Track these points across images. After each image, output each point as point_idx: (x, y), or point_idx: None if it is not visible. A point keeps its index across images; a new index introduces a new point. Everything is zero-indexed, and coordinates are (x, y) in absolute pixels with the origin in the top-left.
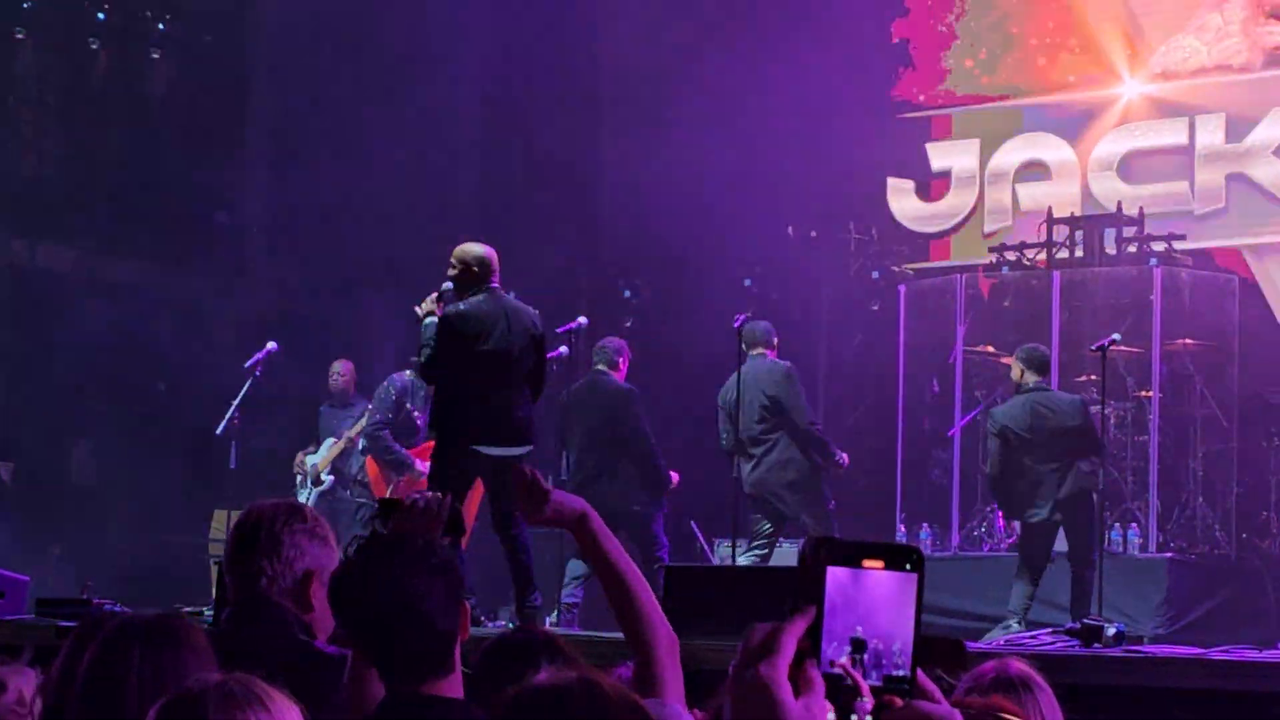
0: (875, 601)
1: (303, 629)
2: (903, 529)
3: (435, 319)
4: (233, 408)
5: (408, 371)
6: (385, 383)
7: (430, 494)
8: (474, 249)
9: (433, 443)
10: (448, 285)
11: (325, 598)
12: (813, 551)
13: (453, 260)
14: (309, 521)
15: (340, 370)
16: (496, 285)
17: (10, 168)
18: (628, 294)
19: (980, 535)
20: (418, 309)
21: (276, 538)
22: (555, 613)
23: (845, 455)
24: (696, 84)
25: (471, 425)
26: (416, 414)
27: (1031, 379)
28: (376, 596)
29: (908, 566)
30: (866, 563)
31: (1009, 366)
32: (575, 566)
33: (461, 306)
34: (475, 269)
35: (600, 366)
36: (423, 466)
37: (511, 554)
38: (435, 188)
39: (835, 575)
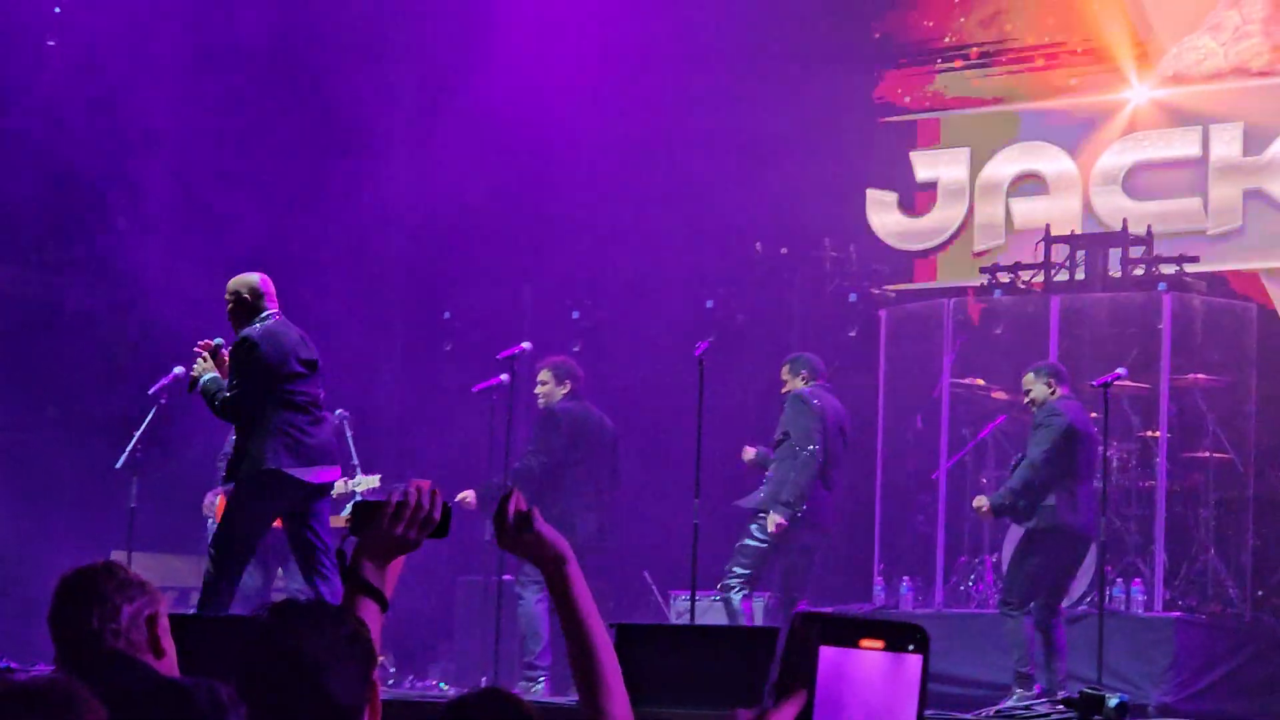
0: (873, 687)
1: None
2: (881, 582)
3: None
4: (135, 438)
5: None
6: None
7: (415, 488)
8: (246, 278)
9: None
10: (219, 339)
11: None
12: (804, 628)
13: (227, 295)
14: (128, 573)
15: None
16: (276, 310)
17: None
18: (576, 315)
19: (967, 590)
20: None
21: (107, 594)
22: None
23: None
24: (646, 81)
25: (285, 450)
26: None
27: (1059, 393)
28: (276, 663)
29: (910, 648)
30: (864, 643)
31: (1000, 401)
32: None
33: (258, 329)
34: (247, 297)
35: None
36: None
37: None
38: (369, 200)
39: (828, 656)
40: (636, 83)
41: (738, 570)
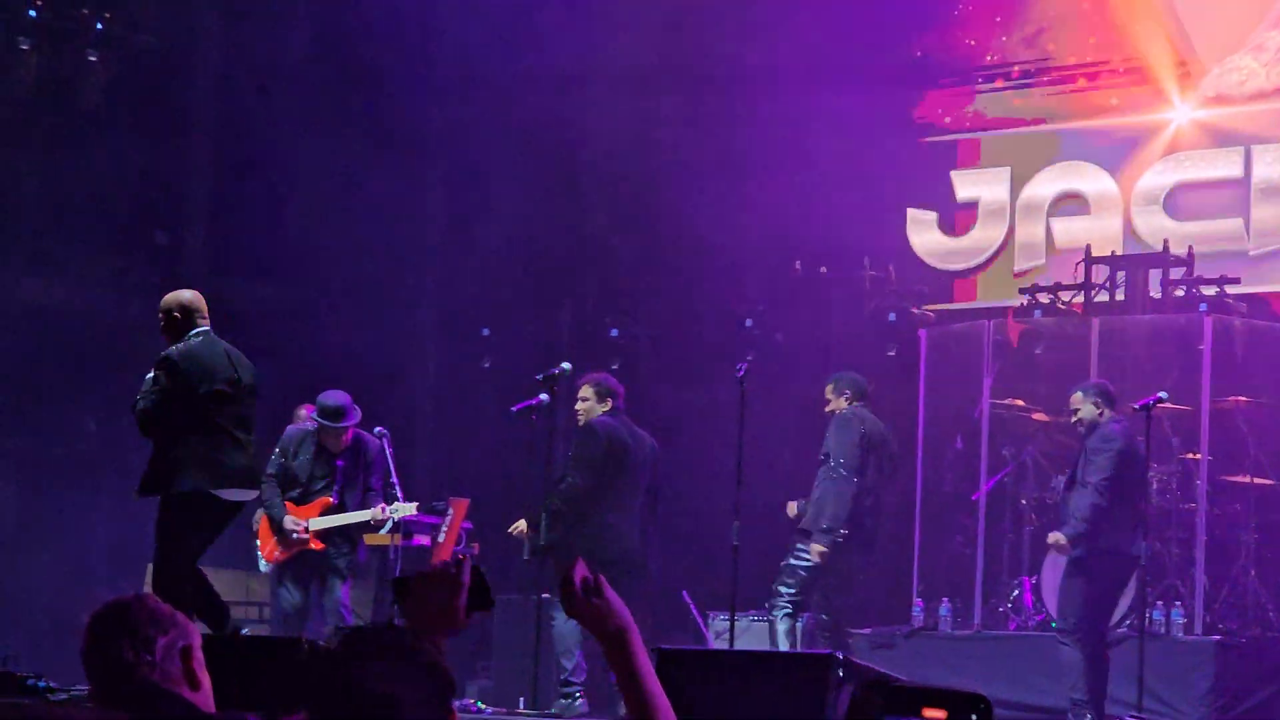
0: None
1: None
2: (920, 604)
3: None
4: None
5: (303, 416)
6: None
7: (450, 562)
8: (178, 295)
9: (324, 500)
10: None
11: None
12: (866, 697)
13: (159, 312)
14: (161, 605)
15: (304, 415)
16: (208, 328)
17: None
18: (614, 333)
19: (1006, 612)
20: None
21: (137, 623)
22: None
23: None
24: (687, 101)
25: (208, 470)
26: (299, 469)
27: (1107, 414)
28: (350, 697)
29: (974, 718)
30: (927, 712)
31: (1040, 423)
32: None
33: (179, 349)
34: (177, 314)
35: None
36: (293, 524)
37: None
38: (405, 209)
39: None
40: (678, 102)
41: (784, 591)
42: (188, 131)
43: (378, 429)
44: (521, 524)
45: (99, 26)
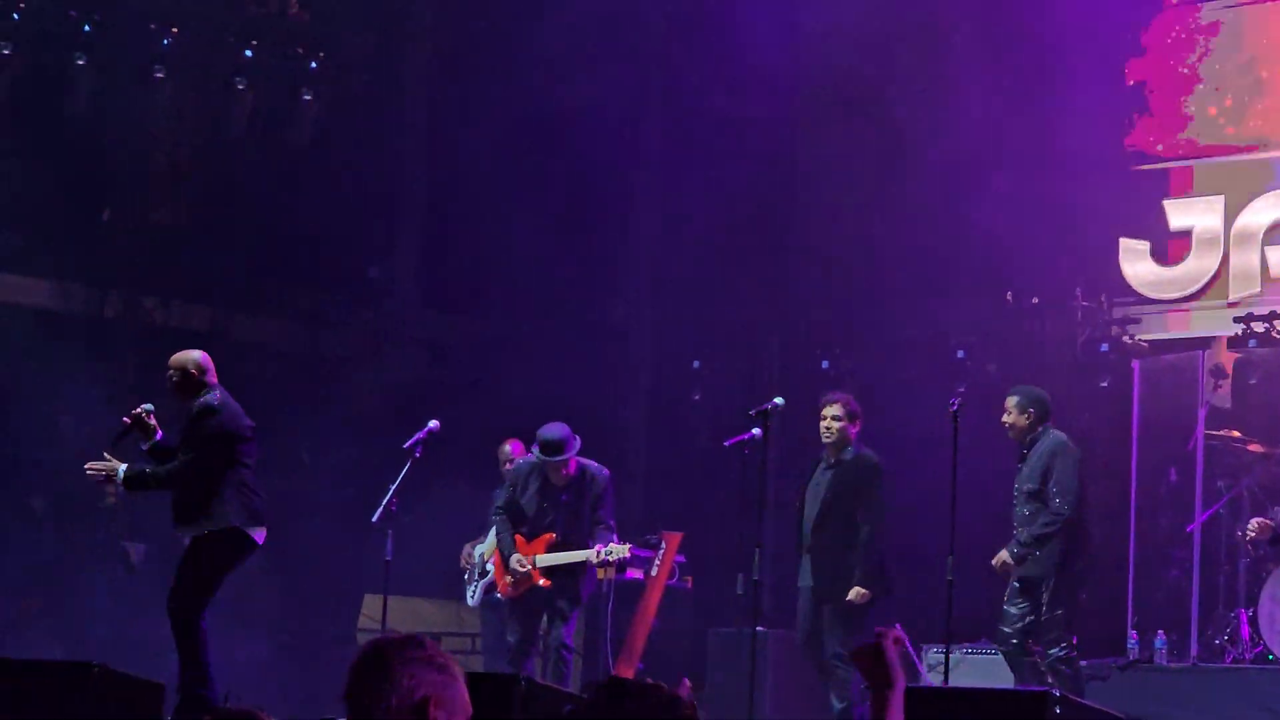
0: None
1: None
2: (1135, 636)
3: (154, 440)
4: (390, 492)
5: (507, 452)
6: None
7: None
8: (190, 355)
9: (549, 535)
10: (148, 406)
11: None
12: None
13: (171, 370)
14: (426, 649)
15: (509, 452)
16: (216, 384)
17: (142, 218)
18: (825, 365)
19: (1223, 644)
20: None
21: (392, 668)
22: None
23: None
24: (892, 127)
25: (245, 510)
26: (527, 504)
27: None
28: None
29: None
30: None
31: (1256, 454)
32: None
33: (217, 396)
34: (194, 371)
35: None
36: (518, 562)
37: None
38: (604, 245)
39: None
40: (883, 128)
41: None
42: (398, 167)
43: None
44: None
45: (313, 66)
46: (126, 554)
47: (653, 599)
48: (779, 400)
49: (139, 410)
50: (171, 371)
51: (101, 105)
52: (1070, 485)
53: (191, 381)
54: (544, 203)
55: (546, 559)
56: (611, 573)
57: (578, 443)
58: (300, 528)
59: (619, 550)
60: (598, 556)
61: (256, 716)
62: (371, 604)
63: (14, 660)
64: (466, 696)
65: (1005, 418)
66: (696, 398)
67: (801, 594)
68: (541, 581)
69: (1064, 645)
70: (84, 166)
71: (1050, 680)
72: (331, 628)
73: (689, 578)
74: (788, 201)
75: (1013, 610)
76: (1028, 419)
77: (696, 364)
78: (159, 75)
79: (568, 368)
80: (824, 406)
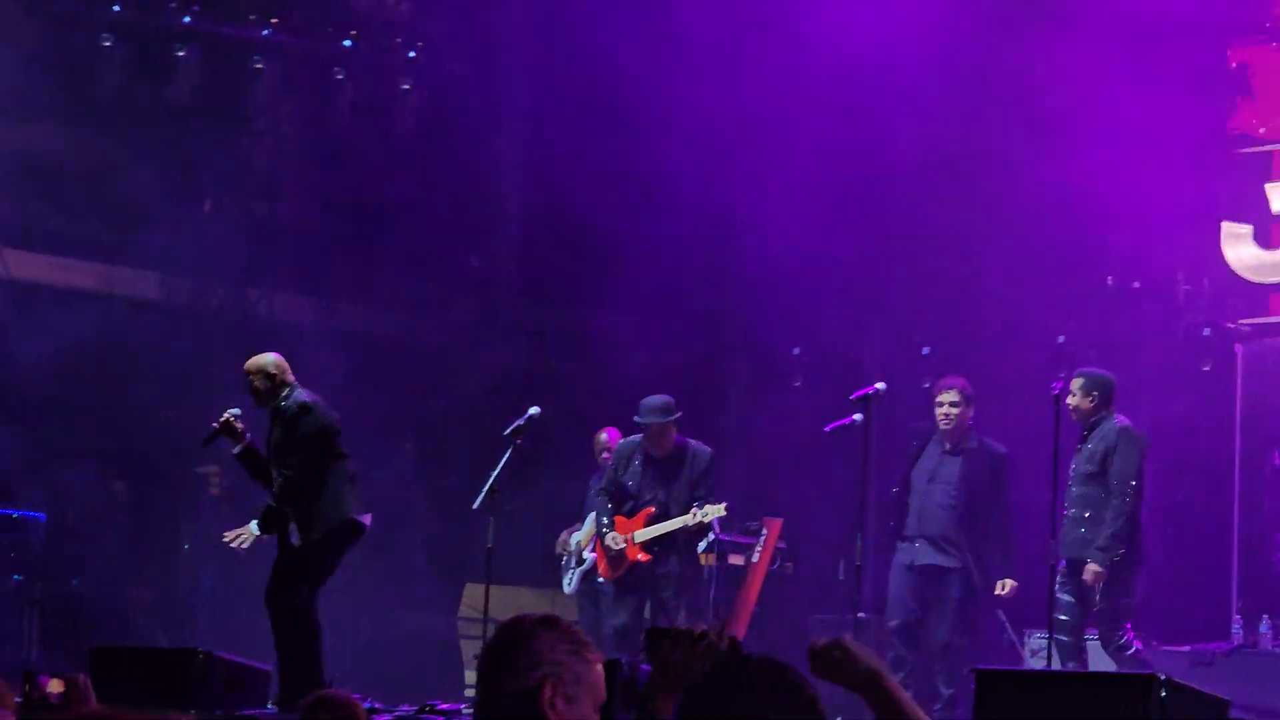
0: None
1: None
2: (1239, 621)
3: (245, 443)
4: (491, 479)
5: (603, 441)
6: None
7: (704, 630)
8: (266, 357)
9: (649, 510)
10: (235, 410)
11: (570, 710)
12: None
13: (251, 376)
14: (558, 629)
15: (605, 440)
16: (295, 381)
17: (245, 210)
18: (926, 351)
19: None
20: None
21: (518, 646)
22: None
23: None
24: (993, 113)
25: (355, 497)
26: (629, 481)
27: None
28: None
29: None
30: None
31: None
32: None
33: (306, 395)
34: (275, 373)
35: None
36: (612, 540)
37: (281, 631)
38: (708, 225)
39: None
40: (983, 117)
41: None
42: (498, 155)
43: None
44: (1008, 584)
45: (411, 55)
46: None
47: (754, 585)
48: (880, 385)
49: (226, 415)
50: (252, 377)
51: (203, 96)
52: (1131, 474)
53: (275, 383)
54: (642, 187)
55: (644, 533)
56: (713, 558)
57: (678, 414)
58: (401, 516)
59: (714, 510)
60: (693, 518)
61: (353, 704)
62: (473, 592)
63: (122, 647)
64: (601, 679)
65: (1069, 399)
66: (797, 384)
67: (908, 575)
68: (640, 556)
69: (1122, 633)
70: (186, 157)
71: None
72: (433, 616)
73: (790, 564)
74: (888, 186)
75: (1066, 597)
76: (1091, 402)
77: (797, 351)
78: (258, 66)
79: (666, 356)
80: (940, 391)
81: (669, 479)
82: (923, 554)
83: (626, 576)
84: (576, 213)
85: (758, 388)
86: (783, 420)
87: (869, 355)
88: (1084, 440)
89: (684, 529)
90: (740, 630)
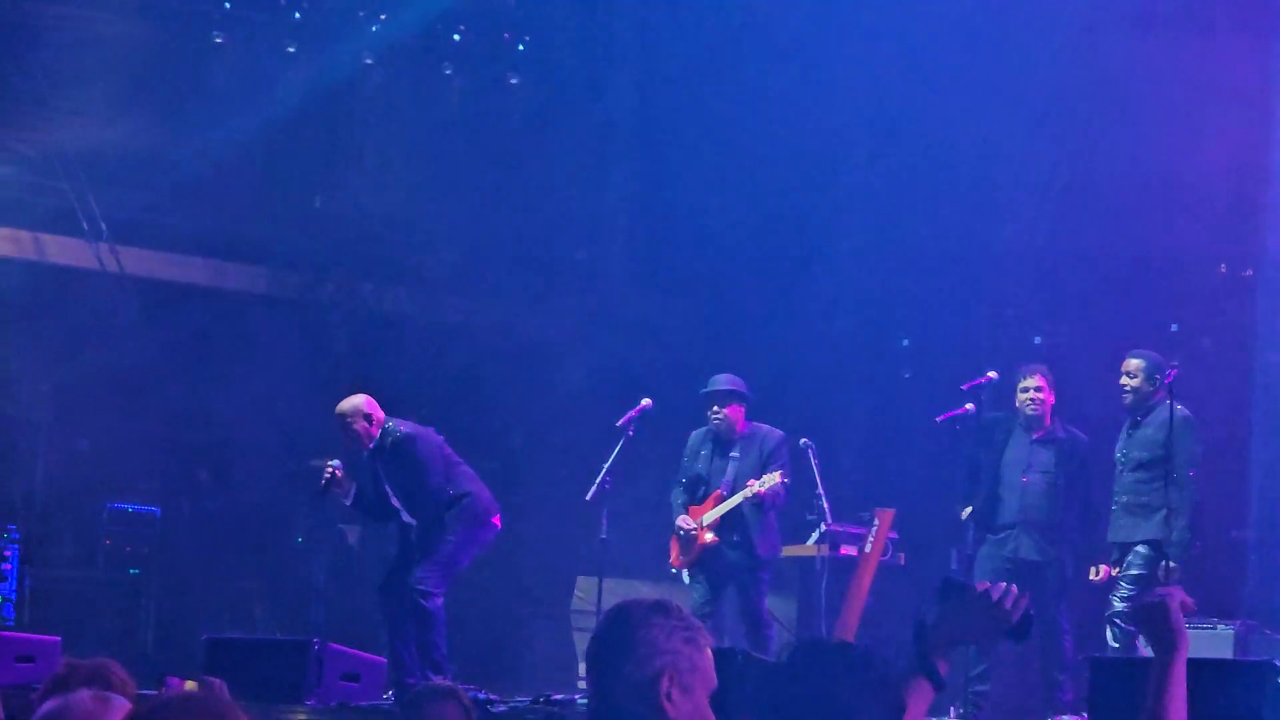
0: None
1: None
2: None
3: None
4: (603, 471)
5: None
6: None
7: (1004, 594)
8: (357, 399)
9: (717, 492)
10: (335, 462)
11: (685, 700)
12: None
13: (349, 420)
14: (671, 617)
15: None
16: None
17: (354, 203)
18: (1037, 340)
19: None
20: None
21: (633, 634)
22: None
23: None
24: (1094, 105)
25: (489, 499)
26: (700, 468)
27: None
28: (799, 706)
29: None
30: None
31: None
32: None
33: (394, 425)
34: (369, 411)
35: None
36: (681, 524)
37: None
38: (820, 218)
39: None
40: (1084, 110)
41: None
42: (605, 149)
43: (803, 440)
44: (1102, 570)
45: (520, 49)
46: (344, 535)
47: (866, 576)
48: (993, 374)
49: (330, 469)
50: (350, 420)
51: (310, 92)
52: (1195, 463)
53: (372, 422)
54: (753, 180)
55: (711, 513)
56: (824, 549)
57: (738, 394)
58: (513, 508)
59: (770, 479)
60: (752, 489)
61: (456, 691)
62: (585, 585)
63: (235, 638)
64: (711, 668)
65: (1128, 380)
66: (907, 375)
67: (1005, 567)
68: (709, 537)
69: None
70: (295, 150)
71: None
72: (544, 609)
73: (902, 554)
74: (999, 177)
75: (1126, 586)
76: (1151, 386)
77: (906, 341)
78: (368, 62)
79: (775, 346)
80: (1024, 378)
81: (737, 461)
82: (1023, 547)
83: (698, 561)
84: (686, 202)
85: (868, 379)
86: (893, 411)
87: (979, 345)
88: (1135, 425)
89: (751, 508)
90: (852, 622)
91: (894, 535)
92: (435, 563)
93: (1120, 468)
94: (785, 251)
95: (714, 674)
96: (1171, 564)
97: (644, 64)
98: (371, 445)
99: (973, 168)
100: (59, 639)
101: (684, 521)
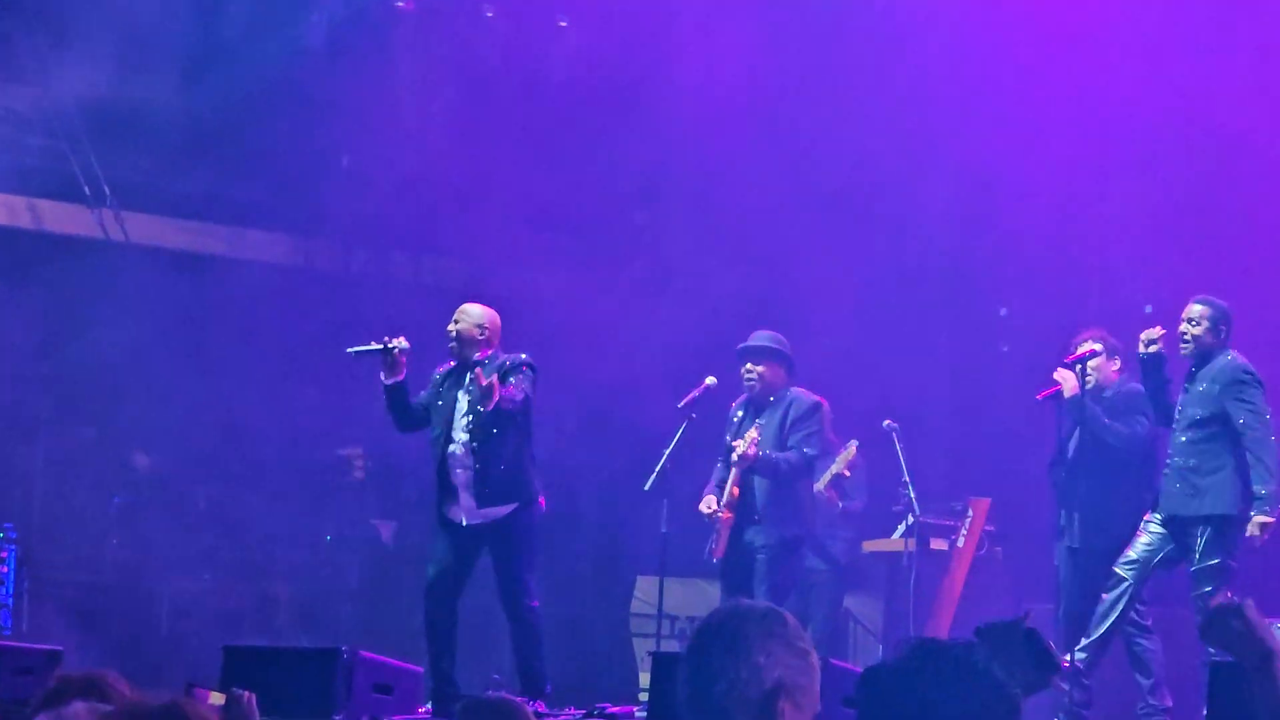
0: None
1: None
2: None
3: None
4: (664, 457)
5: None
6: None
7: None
8: (489, 310)
9: None
10: (405, 345)
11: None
12: None
13: (474, 325)
14: (789, 628)
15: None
16: None
17: (390, 167)
18: (1149, 309)
19: None
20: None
21: (747, 639)
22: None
23: None
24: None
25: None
26: (733, 431)
27: None
28: (900, 705)
29: None
30: None
31: None
32: None
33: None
34: (490, 328)
35: None
36: (704, 505)
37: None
38: (909, 181)
39: None
40: (1201, 68)
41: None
42: (663, 112)
43: (886, 422)
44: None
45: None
46: (377, 531)
47: (959, 572)
48: (1097, 346)
49: (394, 342)
50: (469, 318)
51: (335, 40)
52: (1266, 412)
53: (488, 340)
54: (829, 133)
55: (726, 490)
56: (911, 543)
57: (786, 353)
58: (564, 499)
59: (749, 435)
60: (737, 452)
61: (515, 705)
62: (644, 586)
63: (257, 646)
64: (818, 691)
65: (1190, 328)
66: (1005, 349)
67: (1069, 557)
68: (722, 515)
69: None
70: (320, 105)
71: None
72: (600, 611)
73: (999, 548)
74: (1110, 139)
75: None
76: (1214, 337)
77: (1004, 311)
78: (400, 4)
79: (855, 317)
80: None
81: (764, 427)
82: (1073, 533)
83: (730, 542)
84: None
85: (960, 354)
86: (989, 389)
87: (1083, 316)
88: (1191, 379)
89: (762, 479)
90: (945, 621)
91: (990, 528)
92: (531, 553)
93: (1176, 427)
94: (865, 210)
95: (819, 698)
96: (1261, 518)
97: (701, 31)
98: (474, 356)
99: (1080, 120)
100: (61, 649)
101: (705, 504)
